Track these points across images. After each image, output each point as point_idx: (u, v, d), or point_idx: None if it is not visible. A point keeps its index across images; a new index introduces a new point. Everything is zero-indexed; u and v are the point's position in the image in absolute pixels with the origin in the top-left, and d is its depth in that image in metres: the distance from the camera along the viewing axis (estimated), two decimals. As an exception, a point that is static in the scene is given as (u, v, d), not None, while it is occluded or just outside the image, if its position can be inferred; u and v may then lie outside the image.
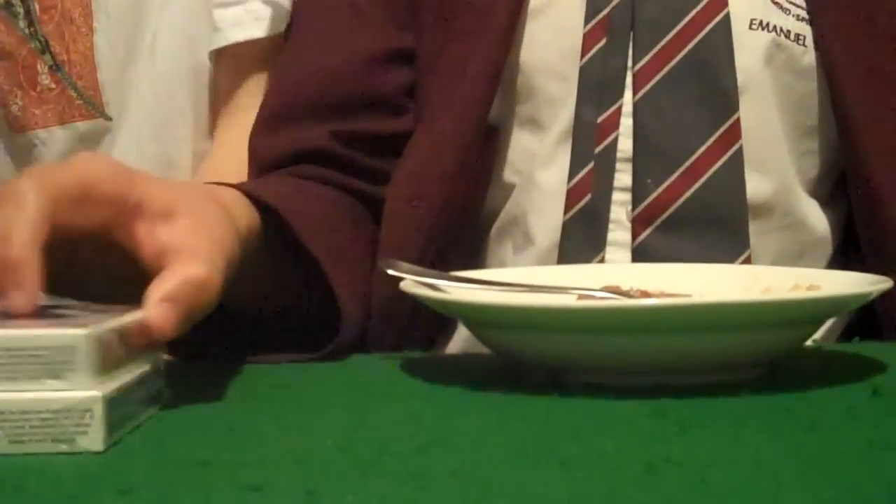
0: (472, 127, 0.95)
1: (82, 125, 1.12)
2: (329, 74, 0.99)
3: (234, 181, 0.86)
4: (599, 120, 0.93)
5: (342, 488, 0.51)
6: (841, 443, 0.58)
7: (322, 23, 1.02)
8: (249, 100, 1.07)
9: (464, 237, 0.98)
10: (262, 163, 0.99)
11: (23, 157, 1.15)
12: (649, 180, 0.92)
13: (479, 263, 0.99)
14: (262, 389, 0.74)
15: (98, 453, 0.56)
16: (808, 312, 0.71)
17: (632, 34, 0.93)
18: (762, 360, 0.72)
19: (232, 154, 1.04)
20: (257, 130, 1.00)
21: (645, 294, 0.78)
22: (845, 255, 0.98)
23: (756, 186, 0.93)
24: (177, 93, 1.11)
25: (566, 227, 0.93)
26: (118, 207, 0.68)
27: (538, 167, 0.95)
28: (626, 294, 0.78)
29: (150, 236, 0.68)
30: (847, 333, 0.95)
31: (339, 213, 0.94)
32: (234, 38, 1.07)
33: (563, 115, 0.94)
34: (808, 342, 0.79)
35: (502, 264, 0.98)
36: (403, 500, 0.49)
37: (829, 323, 0.94)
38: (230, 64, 1.10)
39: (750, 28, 0.93)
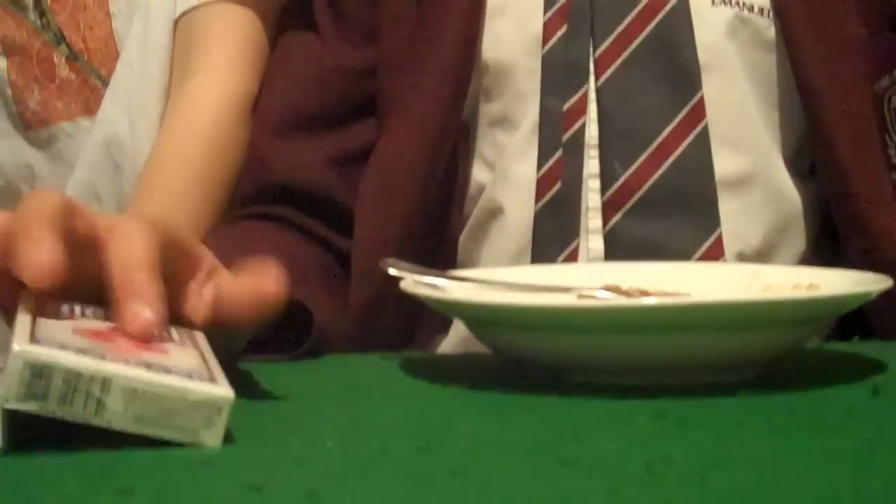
0: (441, 123, 0.96)
1: None
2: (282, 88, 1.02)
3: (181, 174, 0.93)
4: (565, 107, 0.93)
5: (342, 488, 0.51)
6: (841, 442, 0.58)
7: (291, 39, 1.05)
8: (195, 68, 1.06)
9: (439, 234, 0.99)
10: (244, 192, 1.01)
11: (42, 151, 1.14)
12: (617, 164, 0.92)
13: (456, 260, 0.99)
14: (262, 390, 0.74)
15: (97, 455, 0.56)
16: (809, 312, 0.71)
17: (591, 19, 0.94)
18: (762, 360, 0.72)
19: (176, 141, 1.03)
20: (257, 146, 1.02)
21: (645, 293, 0.78)
22: (833, 232, 0.98)
23: (731, 163, 0.94)
24: (167, 64, 1.09)
25: (538, 216, 0.93)
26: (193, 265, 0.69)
27: (511, 161, 0.96)
28: (626, 293, 0.78)
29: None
30: (842, 331, 0.95)
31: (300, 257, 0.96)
32: None
33: (531, 107, 0.95)
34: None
35: (478, 258, 0.98)
36: (404, 500, 0.49)
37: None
38: (181, 34, 1.08)
39: (713, 4, 0.94)
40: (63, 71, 1.11)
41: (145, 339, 0.61)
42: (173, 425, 0.57)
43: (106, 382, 0.56)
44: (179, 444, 0.57)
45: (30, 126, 1.13)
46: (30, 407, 0.55)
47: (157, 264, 0.63)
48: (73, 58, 1.10)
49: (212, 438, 0.57)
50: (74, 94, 1.11)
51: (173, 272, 0.67)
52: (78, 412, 0.56)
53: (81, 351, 0.57)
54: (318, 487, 0.51)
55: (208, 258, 0.71)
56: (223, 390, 0.58)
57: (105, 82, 1.10)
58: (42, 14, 1.11)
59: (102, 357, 0.57)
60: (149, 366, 0.58)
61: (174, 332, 0.66)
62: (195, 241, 0.71)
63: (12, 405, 0.55)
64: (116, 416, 0.56)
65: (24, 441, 0.57)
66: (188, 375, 0.58)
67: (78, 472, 0.54)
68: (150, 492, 0.51)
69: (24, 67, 1.12)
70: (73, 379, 0.55)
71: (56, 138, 1.12)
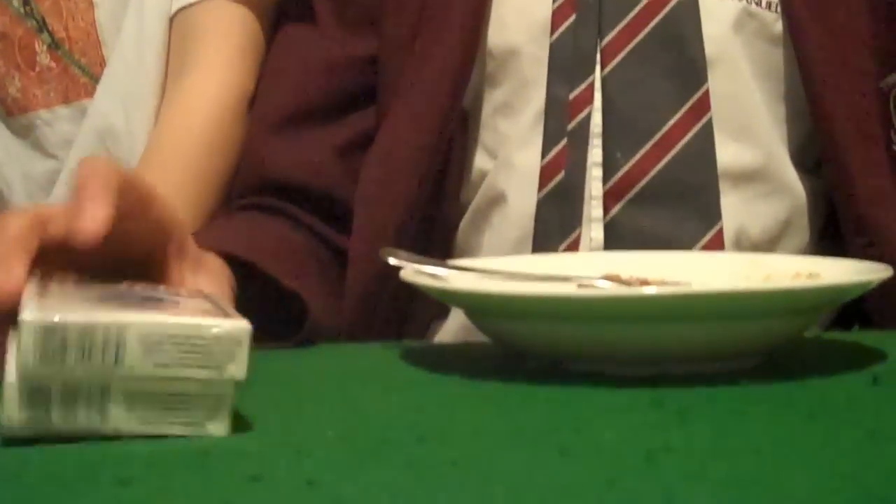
0: (444, 109, 0.96)
1: (88, 103, 1.11)
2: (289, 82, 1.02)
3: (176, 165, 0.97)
4: (572, 96, 0.93)
5: (342, 478, 0.51)
6: (840, 432, 0.58)
7: (290, 33, 1.05)
8: (194, 62, 1.06)
9: (439, 221, 0.99)
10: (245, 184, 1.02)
11: (22, 139, 1.14)
12: (619, 154, 0.92)
13: (454, 247, 0.99)
14: (262, 379, 0.74)
15: (100, 439, 0.56)
16: (809, 301, 0.71)
17: (599, 9, 0.94)
18: (762, 349, 0.72)
19: (172, 138, 1.04)
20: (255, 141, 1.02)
21: (645, 282, 0.78)
22: (836, 228, 0.98)
23: (736, 155, 0.94)
24: (162, 58, 1.10)
25: (541, 204, 0.93)
26: (166, 237, 0.71)
27: (514, 149, 0.96)
28: (626, 282, 0.78)
29: (181, 280, 0.71)
30: (842, 321, 0.95)
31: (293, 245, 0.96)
32: None
33: (536, 94, 0.95)
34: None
35: (478, 246, 0.98)
36: (403, 490, 0.49)
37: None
38: (177, 30, 1.08)
39: None
40: (44, 59, 1.12)
41: (97, 238, 0.61)
42: (195, 364, 0.56)
43: (121, 331, 0.55)
44: (178, 435, 0.57)
45: (10, 112, 1.14)
46: (49, 370, 0.54)
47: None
48: (54, 46, 1.11)
49: (237, 370, 0.57)
50: (54, 82, 1.12)
51: (148, 238, 0.70)
52: (97, 366, 0.55)
53: (92, 309, 0.57)
54: (318, 477, 0.51)
55: (188, 245, 0.73)
56: (239, 322, 0.58)
57: (85, 71, 1.11)
58: (26, 2, 1.12)
59: (114, 311, 0.57)
60: (162, 313, 0.58)
61: (184, 291, 0.66)
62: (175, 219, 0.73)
63: (32, 371, 0.54)
64: (136, 363, 0.55)
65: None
66: (202, 315, 0.58)
67: (78, 462, 0.54)
68: (150, 482, 0.51)
69: (6, 54, 1.13)
70: (89, 333, 0.55)
71: (34, 126, 1.13)
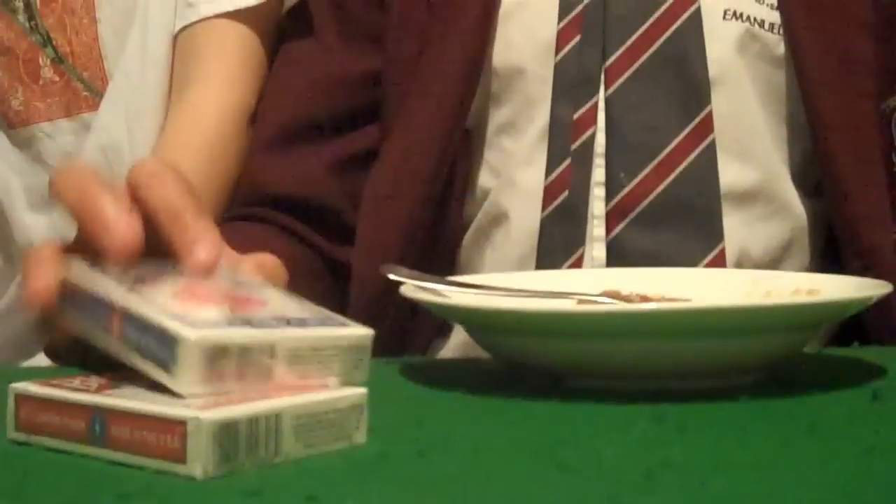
0: (448, 127, 0.96)
1: (88, 116, 1.12)
2: (290, 98, 1.02)
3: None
4: (576, 116, 0.93)
5: (342, 493, 0.51)
6: (840, 447, 0.58)
7: (293, 49, 1.05)
8: (196, 76, 1.07)
9: (442, 238, 0.99)
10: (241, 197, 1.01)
11: (24, 151, 1.15)
12: (622, 174, 0.92)
13: (457, 264, 1.00)
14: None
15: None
16: (809, 317, 0.71)
17: (603, 30, 0.94)
18: (762, 365, 0.72)
19: (176, 146, 1.04)
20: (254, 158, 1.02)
21: (645, 298, 0.78)
22: (836, 250, 0.98)
23: (738, 175, 0.94)
24: (165, 75, 1.11)
25: (544, 223, 0.93)
26: None
27: (517, 167, 0.96)
28: (626, 298, 0.78)
29: None
30: (841, 338, 0.95)
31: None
32: (205, 11, 1.07)
33: (540, 114, 0.95)
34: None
35: (481, 264, 0.98)
36: (403, 505, 0.49)
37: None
38: (180, 48, 1.09)
39: (724, 19, 0.95)
40: (47, 73, 1.13)
41: (208, 274, 0.62)
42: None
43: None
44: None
45: (12, 125, 1.15)
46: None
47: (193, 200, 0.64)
48: (58, 60, 1.13)
49: (361, 376, 0.60)
50: (57, 95, 1.13)
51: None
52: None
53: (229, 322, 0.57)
54: (318, 492, 0.50)
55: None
56: (362, 329, 0.61)
57: (87, 85, 1.12)
58: (31, 17, 1.13)
59: (248, 323, 0.57)
60: (289, 322, 0.59)
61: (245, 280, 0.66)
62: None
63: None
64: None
65: (26, 444, 0.57)
66: (322, 323, 0.60)
67: (78, 477, 0.54)
68: (150, 497, 0.51)
69: (10, 68, 1.14)
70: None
71: (36, 138, 1.14)
